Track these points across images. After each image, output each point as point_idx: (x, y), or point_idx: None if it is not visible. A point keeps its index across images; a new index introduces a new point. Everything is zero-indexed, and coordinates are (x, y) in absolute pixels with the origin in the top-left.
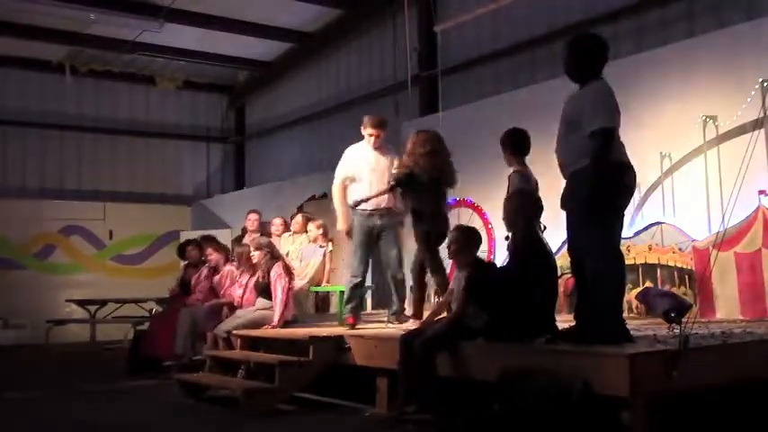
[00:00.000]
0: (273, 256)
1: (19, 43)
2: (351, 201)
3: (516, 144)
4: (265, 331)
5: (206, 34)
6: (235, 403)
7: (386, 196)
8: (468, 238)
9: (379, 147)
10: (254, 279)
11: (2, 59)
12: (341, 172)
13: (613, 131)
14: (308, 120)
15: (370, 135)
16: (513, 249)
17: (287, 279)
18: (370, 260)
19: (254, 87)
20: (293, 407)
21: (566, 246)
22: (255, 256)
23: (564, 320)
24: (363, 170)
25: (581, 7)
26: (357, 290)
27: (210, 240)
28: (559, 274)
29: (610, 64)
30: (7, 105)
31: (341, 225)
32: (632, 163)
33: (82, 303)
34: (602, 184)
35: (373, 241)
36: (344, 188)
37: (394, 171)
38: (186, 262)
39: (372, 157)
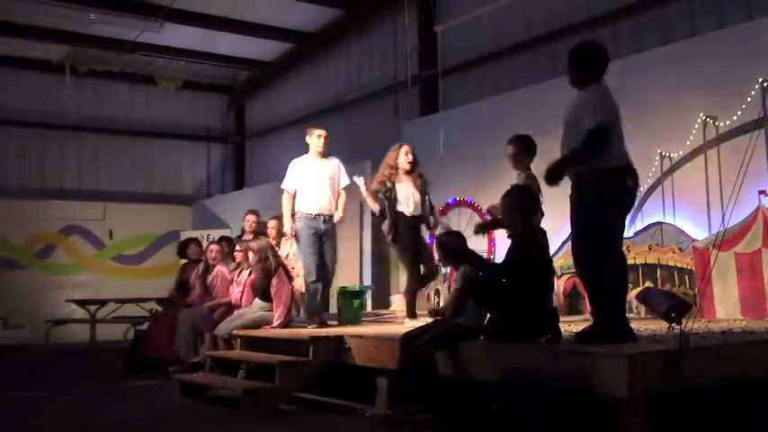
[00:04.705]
0: (270, 264)
1: (19, 43)
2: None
3: (530, 149)
4: (265, 331)
5: (206, 34)
6: (235, 403)
7: (332, 204)
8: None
9: (324, 154)
10: (251, 279)
11: (2, 59)
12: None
13: (609, 126)
14: (309, 120)
15: (319, 136)
16: (510, 247)
17: (289, 286)
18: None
19: (254, 87)
20: (293, 407)
21: (566, 246)
22: (251, 257)
23: (564, 321)
24: (311, 178)
25: (581, 7)
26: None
27: (222, 240)
28: (559, 274)
29: (610, 64)
30: (7, 105)
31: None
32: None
33: (82, 303)
34: (603, 185)
35: (320, 242)
36: (293, 196)
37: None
38: (185, 261)
39: (319, 166)
